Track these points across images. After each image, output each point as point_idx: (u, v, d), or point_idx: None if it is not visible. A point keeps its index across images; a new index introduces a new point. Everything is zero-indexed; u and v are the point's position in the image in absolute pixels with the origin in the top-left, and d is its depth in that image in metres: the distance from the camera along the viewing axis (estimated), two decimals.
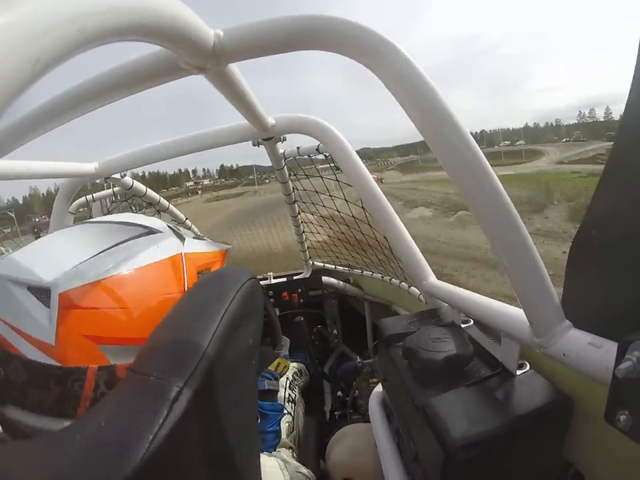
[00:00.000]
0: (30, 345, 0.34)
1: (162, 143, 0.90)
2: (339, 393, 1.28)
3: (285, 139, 0.92)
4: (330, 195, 1.18)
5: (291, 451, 0.87)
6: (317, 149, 1.00)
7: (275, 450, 0.83)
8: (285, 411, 0.97)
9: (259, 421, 0.90)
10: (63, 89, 0.44)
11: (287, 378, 1.07)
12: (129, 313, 0.37)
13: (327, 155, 1.01)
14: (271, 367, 1.06)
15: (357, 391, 1.13)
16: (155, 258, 0.41)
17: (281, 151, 1.02)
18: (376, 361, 0.85)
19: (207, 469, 0.34)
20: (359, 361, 1.14)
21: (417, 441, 0.50)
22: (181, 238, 0.48)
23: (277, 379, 1.05)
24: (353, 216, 1.14)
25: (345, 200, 1.09)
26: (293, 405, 1.02)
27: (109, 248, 0.39)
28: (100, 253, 0.38)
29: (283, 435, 0.88)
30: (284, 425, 0.92)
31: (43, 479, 0.27)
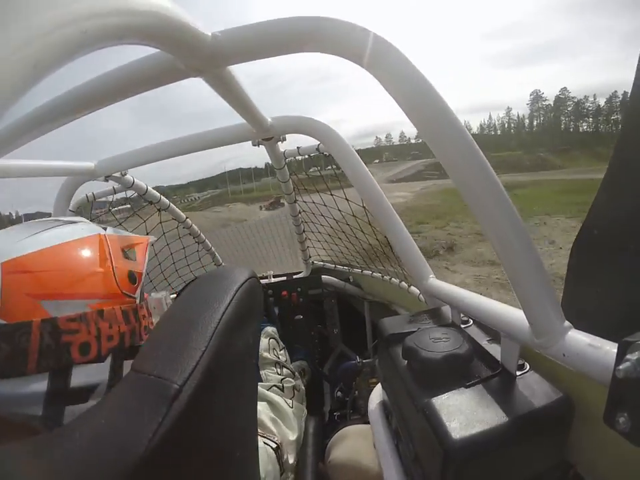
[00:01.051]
0: None
1: (161, 143, 0.90)
2: (339, 393, 1.28)
3: (284, 139, 0.92)
4: (331, 194, 1.18)
5: (277, 367, 0.85)
6: (317, 149, 1.00)
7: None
8: (265, 324, 0.94)
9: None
10: (63, 91, 0.45)
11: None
12: (63, 275, 0.43)
13: (327, 154, 1.01)
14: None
15: (356, 391, 1.13)
16: (80, 235, 0.49)
17: (281, 150, 1.02)
18: (376, 360, 0.85)
19: (206, 467, 0.35)
20: (358, 360, 1.14)
21: (417, 442, 0.50)
22: (103, 227, 0.56)
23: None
24: (353, 215, 1.14)
25: (346, 199, 1.09)
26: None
27: (42, 231, 0.46)
28: (35, 233, 0.45)
29: (261, 350, 0.85)
30: (263, 339, 0.89)
31: (43, 478, 0.27)
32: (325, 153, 1.01)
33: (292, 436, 0.74)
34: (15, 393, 0.37)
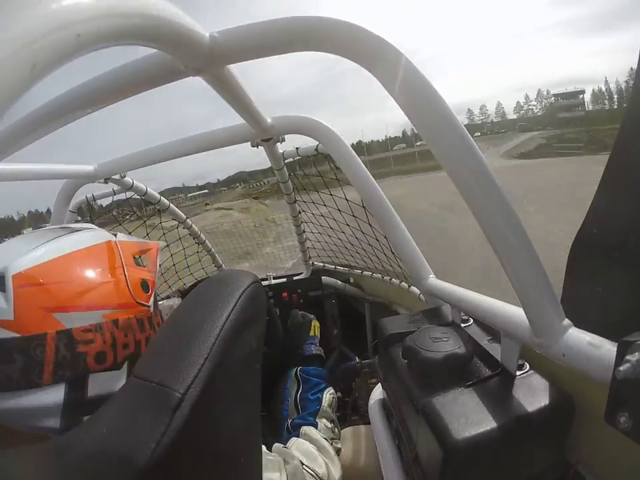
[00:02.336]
0: None
1: (161, 145, 0.90)
2: (338, 394, 1.28)
3: (284, 140, 0.92)
4: (331, 194, 1.18)
5: (332, 424, 0.84)
6: (316, 149, 1.00)
7: (314, 419, 0.80)
8: (329, 384, 0.95)
9: (300, 389, 0.89)
10: (61, 92, 0.44)
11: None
12: (75, 286, 0.43)
13: (326, 155, 1.01)
14: (312, 332, 1.08)
15: (356, 392, 1.13)
16: (91, 243, 0.49)
17: (280, 151, 1.02)
18: (376, 361, 0.85)
19: (209, 474, 0.34)
20: (358, 361, 1.14)
21: (417, 442, 0.50)
22: (113, 234, 0.56)
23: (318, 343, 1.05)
24: (353, 215, 1.14)
25: (346, 199, 1.09)
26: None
27: (51, 240, 0.46)
28: (45, 242, 0.45)
29: (325, 404, 0.85)
30: (327, 395, 0.89)
31: None
32: (324, 154, 1.01)
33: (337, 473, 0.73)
34: (31, 405, 0.37)
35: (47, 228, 0.52)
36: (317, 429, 0.78)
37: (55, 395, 0.38)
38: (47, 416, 0.38)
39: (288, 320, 1.17)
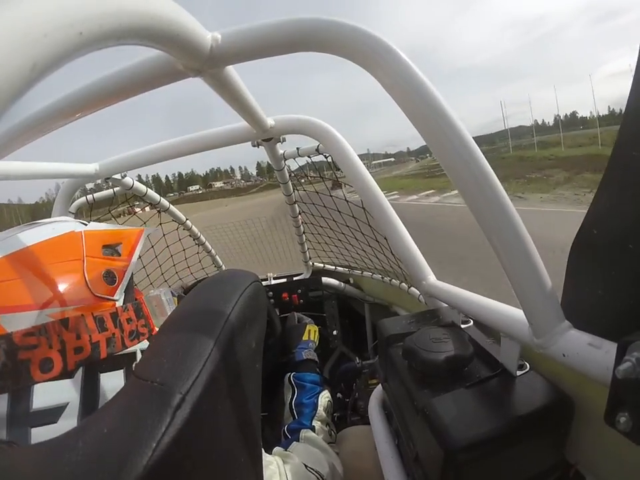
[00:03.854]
0: None
1: (162, 144, 0.90)
2: (338, 395, 1.28)
3: (284, 140, 0.92)
4: (330, 195, 1.18)
5: (328, 427, 0.84)
6: (317, 150, 1.00)
7: (310, 423, 0.80)
8: (324, 387, 0.94)
9: (295, 395, 0.89)
10: (62, 92, 0.45)
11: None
12: (19, 284, 0.38)
13: (327, 155, 1.01)
14: (305, 337, 1.06)
15: (356, 393, 1.13)
16: (47, 236, 0.44)
17: (281, 151, 1.02)
18: (376, 361, 0.85)
19: (210, 474, 0.34)
20: (358, 361, 1.14)
21: (417, 442, 0.50)
22: (83, 224, 0.51)
23: (314, 349, 1.04)
24: (353, 216, 1.14)
25: (346, 200, 1.09)
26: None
27: (7, 237, 0.42)
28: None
29: (320, 408, 0.85)
30: (322, 399, 0.89)
31: None
32: (324, 154, 1.01)
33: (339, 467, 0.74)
34: None
35: (18, 227, 0.48)
36: (314, 432, 0.78)
37: None
38: None
39: (285, 319, 1.17)
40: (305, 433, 0.77)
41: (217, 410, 0.34)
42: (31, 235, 0.44)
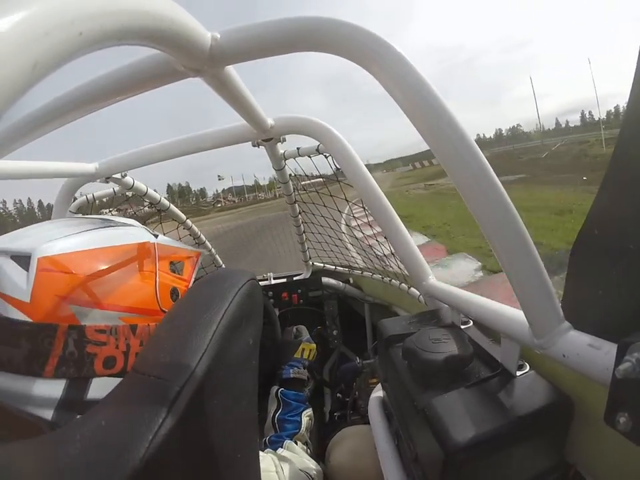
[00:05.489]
0: (7, 303, 0.36)
1: (162, 144, 0.90)
2: (338, 395, 1.28)
3: (284, 140, 0.92)
4: (331, 195, 1.18)
5: (306, 446, 0.85)
6: (317, 150, 1.00)
7: (291, 440, 0.82)
8: (307, 405, 0.96)
9: (280, 410, 0.91)
10: (61, 91, 0.45)
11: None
12: (101, 282, 0.41)
13: (327, 155, 1.01)
14: (297, 355, 1.07)
15: (356, 392, 1.13)
16: (127, 241, 0.47)
17: (281, 151, 1.02)
18: (376, 361, 0.85)
19: (206, 469, 0.34)
20: (358, 361, 1.14)
21: (417, 442, 0.50)
22: (154, 235, 0.53)
23: (305, 367, 1.04)
24: (353, 216, 1.14)
25: (346, 200, 1.09)
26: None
27: (88, 230, 0.44)
28: (79, 232, 0.43)
29: (302, 428, 0.87)
30: (305, 418, 0.91)
31: (43, 479, 0.27)
32: (324, 154, 1.01)
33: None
34: (27, 391, 0.36)
35: (87, 217, 0.50)
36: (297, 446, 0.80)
37: (53, 388, 0.37)
38: (41, 406, 0.36)
39: (283, 333, 1.17)
40: (289, 444, 0.80)
41: (213, 404, 0.35)
42: (111, 236, 0.45)
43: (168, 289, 0.48)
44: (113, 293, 0.41)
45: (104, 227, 0.46)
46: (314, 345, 1.13)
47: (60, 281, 0.38)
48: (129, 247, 0.46)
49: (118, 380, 0.40)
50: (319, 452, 0.97)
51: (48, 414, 0.36)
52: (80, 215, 0.51)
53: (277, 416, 0.89)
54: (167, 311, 0.46)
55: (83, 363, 0.38)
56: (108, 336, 0.39)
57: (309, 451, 0.86)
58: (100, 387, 0.39)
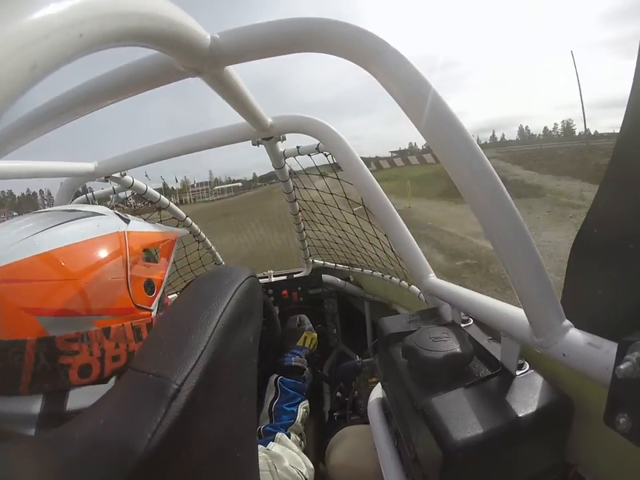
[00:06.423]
0: None
1: (161, 143, 0.90)
2: (338, 394, 1.28)
3: (284, 138, 0.92)
4: (331, 193, 1.18)
5: (300, 438, 0.85)
6: (317, 148, 1.00)
7: (285, 431, 0.82)
8: (304, 396, 0.95)
9: (277, 399, 0.89)
10: (61, 91, 0.44)
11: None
12: (64, 285, 0.37)
13: (327, 154, 1.00)
14: (299, 343, 1.06)
15: (356, 391, 1.13)
16: (94, 234, 0.43)
17: (281, 150, 1.02)
18: (375, 360, 0.85)
19: (206, 467, 0.34)
20: (358, 360, 1.14)
21: (417, 442, 0.50)
22: (126, 220, 0.49)
23: (306, 356, 1.03)
24: (353, 214, 1.14)
25: (346, 198, 1.09)
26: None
27: (48, 228, 0.40)
28: (38, 232, 0.39)
29: (298, 418, 0.86)
30: (301, 409, 0.90)
31: (42, 479, 0.27)
32: (324, 153, 1.01)
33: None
34: (5, 410, 0.34)
35: (48, 211, 0.46)
36: (289, 439, 0.80)
37: (30, 405, 0.35)
38: (20, 423, 0.35)
39: (287, 321, 1.17)
40: (281, 436, 0.79)
41: (212, 402, 0.35)
42: (76, 231, 0.42)
43: (142, 282, 0.45)
44: (81, 296, 0.38)
45: (67, 221, 0.42)
46: (315, 335, 1.12)
47: (21, 291, 0.36)
48: (96, 242, 0.42)
49: (97, 387, 0.38)
50: (318, 452, 0.97)
51: (30, 431, 0.35)
52: (47, 209, 0.47)
53: (274, 405, 0.88)
54: (142, 306, 0.44)
55: (57, 376, 0.36)
56: (80, 344, 0.37)
57: (303, 443, 0.85)
58: (79, 397, 0.38)
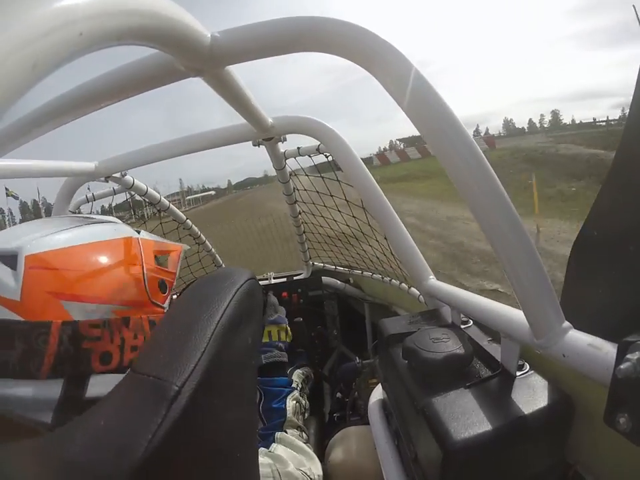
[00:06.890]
0: None
1: (162, 143, 0.90)
2: (338, 394, 1.28)
3: (285, 139, 0.92)
4: (331, 195, 1.18)
5: (299, 430, 0.84)
6: (317, 149, 1.00)
7: (281, 430, 0.81)
8: (292, 387, 0.93)
9: (262, 400, 0.88)
10: (62, 91, 0.45)
11: (298, 385, 1.00)
12: (90, 276, 0.41)
13: (327, 154, 1.01)
14: (264, 339, 1.04)
15: (356, 392, 1.13)
16: (112, 236, 0.48)
17: (282, 150, 1.02)
18: (376, 361, 0.85)
19: (207, 468, 0.34)
20: (358, 361, 1.14)
21: (417, 442, 0.50)
22: (137, 231, 0.54)
23: (283, 349, 1.02)
24: (353, 216, 1.14)
25: (346, 200, 1.09)
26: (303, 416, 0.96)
27: (71, 227, 0.45)
28: (63, 230, 0.44)
29: (288, 413, 0.85)
30: (290, 402, 0.88)
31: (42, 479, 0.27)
32: (325, 154, 1.01)
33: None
34: (24, 395, 0.35)
35: (69, 216, 0.51)
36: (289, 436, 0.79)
37: (51, 389, 0.36)
38: (39, 409, 0.36)
39: None
40: (280, 435, 0.78)
41: (212, 404, 0.35)
42: (97, 232, 0.46)
43: (156, 281, 0.49)
44: (103, 286, 0.41)
45: (87, 224, 0.47)
46: (284, 325, 1.09)
47: (49, 277, 0.38)
48: (115, 242, 0.47)
49: (116, 376, 0.40)
50: (318, 452, 0.97)
51: (47, 417, 0.36)
52: (69, 215, 0.52)
53: (261, 406, 0.87)
54: (157, 302, 0.47)
55: (79, 360, 0.38)
56: (102, 330, 0.39)
57: (303, 434, 0.84)
58: (99, 384, 0.39)
